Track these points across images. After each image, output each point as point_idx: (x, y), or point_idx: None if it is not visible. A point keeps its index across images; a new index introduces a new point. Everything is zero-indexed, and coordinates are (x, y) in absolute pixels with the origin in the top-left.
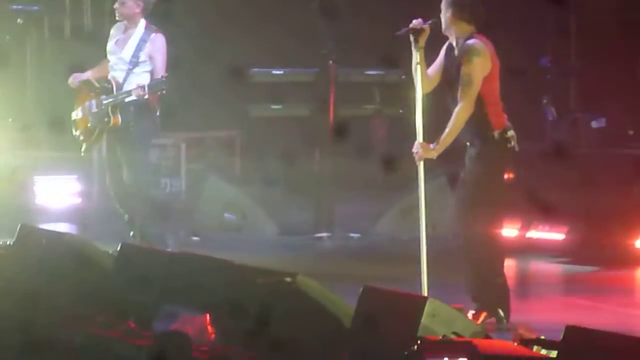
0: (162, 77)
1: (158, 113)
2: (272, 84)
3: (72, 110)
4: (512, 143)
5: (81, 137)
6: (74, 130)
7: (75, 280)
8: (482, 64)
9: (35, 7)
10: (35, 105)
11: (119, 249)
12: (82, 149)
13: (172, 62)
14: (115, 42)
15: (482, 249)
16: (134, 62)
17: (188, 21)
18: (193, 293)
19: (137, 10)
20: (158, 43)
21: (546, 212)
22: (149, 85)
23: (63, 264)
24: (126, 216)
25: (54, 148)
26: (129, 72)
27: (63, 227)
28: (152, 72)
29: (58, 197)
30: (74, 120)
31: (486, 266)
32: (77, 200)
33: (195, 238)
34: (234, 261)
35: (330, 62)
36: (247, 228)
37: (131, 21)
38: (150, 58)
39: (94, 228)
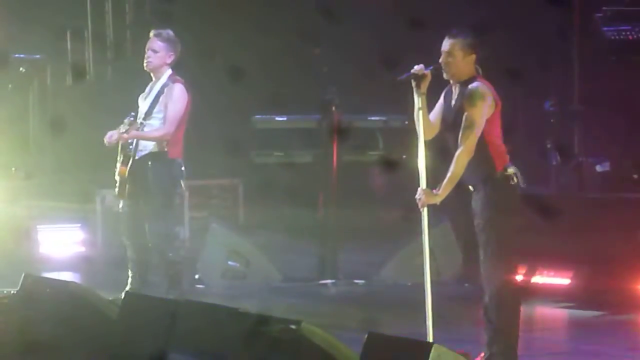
0: (130, 114)
1: (183, 168)
2: (275, 131)
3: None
4: (515, 180)
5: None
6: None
7: (80, 329)
8: (485, 107)
9: (38, 56)
10: (38, 154)
11: (122, 297)
12: (120, 206)
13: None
14: (144, 98)
15: (512, 298)
16: (149, 114)
17: (191, 65)
18: (198, 341)
19: (168, 61)
20: (174, 92)
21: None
22: (126, 129)
23: (67, 313)
24: (130, 263)
25: (57, 197)
26: (142, 125)
27: (67, 276)
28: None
29: (62, 246)
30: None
31: (513, 315)
32: (81, 249)
33: (199, 286)
34: (238, 309)
35: (333, 108)
36: (251, 276)
37: (158, 72)
38: (165, 107)
39: (98, 276)
